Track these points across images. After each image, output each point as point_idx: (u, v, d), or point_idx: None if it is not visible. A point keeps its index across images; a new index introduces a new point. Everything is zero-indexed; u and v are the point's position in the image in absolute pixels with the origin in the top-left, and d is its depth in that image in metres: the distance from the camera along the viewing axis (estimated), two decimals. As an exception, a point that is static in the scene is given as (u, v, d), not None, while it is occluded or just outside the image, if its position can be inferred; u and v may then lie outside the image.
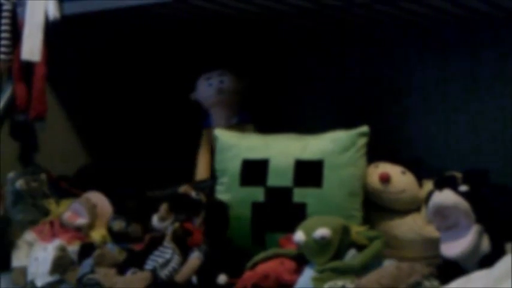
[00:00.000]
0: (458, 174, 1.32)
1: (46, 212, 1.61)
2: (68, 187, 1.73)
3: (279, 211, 1.42)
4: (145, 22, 1.85)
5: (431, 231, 1.38)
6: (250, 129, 1.76)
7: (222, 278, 1.31)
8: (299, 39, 1.96)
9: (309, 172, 1.41)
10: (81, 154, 1.93)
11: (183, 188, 1.47)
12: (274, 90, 1.99)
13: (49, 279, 1.45)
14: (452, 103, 1.71)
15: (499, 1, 1.44)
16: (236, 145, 1.51)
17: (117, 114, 2.00)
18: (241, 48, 2.06)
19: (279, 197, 1.42)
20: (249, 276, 1.27)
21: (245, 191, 1.45)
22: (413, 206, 1.44)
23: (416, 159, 1.53)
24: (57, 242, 1.49)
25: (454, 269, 1.19)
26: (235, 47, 2.06)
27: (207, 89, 1.80)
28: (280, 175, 1.43)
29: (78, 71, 1.93)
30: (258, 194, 1.43)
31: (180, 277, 1.33)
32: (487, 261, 1.18)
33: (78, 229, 1.54)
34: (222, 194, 1.48)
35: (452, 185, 1.25)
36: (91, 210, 1.56)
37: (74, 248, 1.49)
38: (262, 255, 1.31)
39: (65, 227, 1.54)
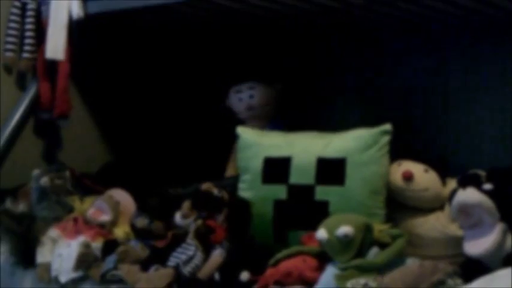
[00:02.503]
0: (482, 173, 1.32)
1: (70, 209, 1.62)
2: (91, 184, 1.74)
3: (301, 209, 1.42)
4: (171, 21, 1.86)
5: (454, 229, 1.37)
6: None
7: (244, 275, 1.31)
8: (325, 38, 1.96)
9: (331, 170, 1.41)
10: (104, 151, 1.94)
11: (205, 186, 1.48)
12: (302, 91, 1.98)
13: (73, 275, 1.47)
14: (477, 102, 1.70)
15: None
16: (258, 143, 1.51)
17: (140, 112, 2.01)
18: (269, 52, 2.05)
19: (301, 194, 1.42)
20: (271, 273, 1.27)
21: (267, 188, 1.45)
22: (437, 204, 1.43)
23: (439, 158, 1.52)
24: (81, 239, 1.50)
25: (477, 267, 1.18)
26: (263, 50, 2.06)
27: (238, 104, 1.81)
28: (302, 173, 1.42)
29: (101, 69, 1.94)
30: (280, 191, 1.43)
31: (202, 274, 1.34)
32: (511, 259, 1.18)
33: (102, 226, 1.55)
34: (245, 191, 1.48)
35: (476, 183, 1.25)
36: (114, 207, 1.57)
37: (97, 244, 1.50)
38: (284, 252, 1.31)
39: (88, 224, 1.55)
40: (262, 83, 1.80)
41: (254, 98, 1.78)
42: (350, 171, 1.40)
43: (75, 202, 1.63)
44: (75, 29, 1.74)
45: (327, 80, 1.96)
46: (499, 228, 1.19)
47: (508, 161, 1.63)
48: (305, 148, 1.45)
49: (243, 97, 1.79)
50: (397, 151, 1.45)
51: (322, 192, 1.40)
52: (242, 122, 1.79)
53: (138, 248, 1.47)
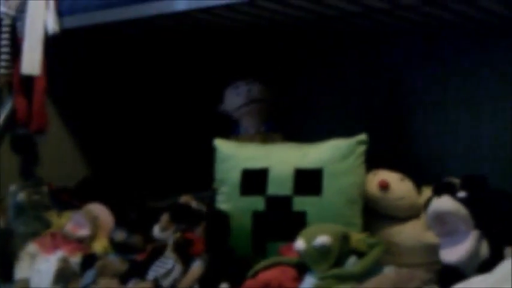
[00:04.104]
0: (456, 181, 1.34)
1: (48, 224, 1.62)
2: (69, 199, 1.74)
3: (279, 220, 1.43)
4: (150, 33, 1.87)
5: (430, 237, 1.38)
6: (279, 138, 1.77)
7: (224, 287, 1.32)
8: (307, 49, 1.99)
9: (308, 180, 1.42)
10: (82, 166, 1.94)
11: (184, 198, 1.48)
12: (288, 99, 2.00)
13: (52, 290, 1.46)
14: (451, 111, 1.72)
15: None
16: (235, 155, 1.52)
17: (118, 126, 2.01)
18: (266, 58, 2.07)
19: (279, 205, 1.43)
20: (250, 284, 1.28)
21: (245, 200, 1.46)
22: (413, 213, 1.45)
23: (415, 166, 1.54)
24: (59, 254, 1.50)
25: (453, 274, 1.19)
26: (259, 57, 2.08)
27: (236, 99, 1.81)
28: (280, 184, 1.43)
29: (78, 83, 1.94)
30: (258, 203, 1.44)
31: (182, 286, 1.34)
32: (486, 266, 1.19)
33: (80, 240, 1.55)
34: (223, 203, 1.49)
35: (451, 191, 1.27)
36: (93, 221, 1.57)
37: (76, 259, 1.50)
38: (263, 263, 1.32)
39: (67, 239, 1.55)
40: (259, 81, 1.82)
41: (252, 91, 1.80)
42: (327, 182, 1.41)
43: (53, 217, 1.63)
44: (51, 44, 1.74)
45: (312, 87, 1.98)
46: (473, 235, 1.21)
47: (481, 168, 1.65)
48: (282, 159, 1.46)
49: (241, 91, 1.80)
50: (373, 160, 1.46)
51: (299, 203, 1.41)
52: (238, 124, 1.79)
53: (117, 262, 1.47)
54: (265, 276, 1.28)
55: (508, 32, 1.64)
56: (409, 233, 1.42)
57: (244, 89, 1.80)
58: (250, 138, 1.73)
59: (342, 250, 1.25)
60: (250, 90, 1.79)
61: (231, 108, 1.83)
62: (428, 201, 1.31)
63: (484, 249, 1.22)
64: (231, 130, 1.82)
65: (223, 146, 1.55)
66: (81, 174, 1.92)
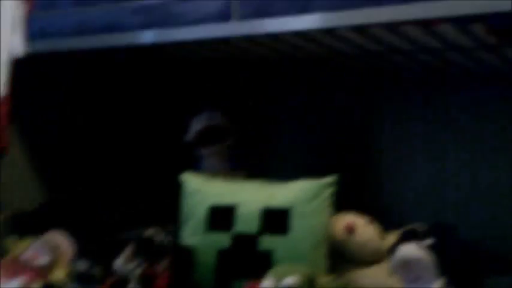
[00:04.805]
0: (423, 227, 1.35)
1: (6, 251, 1.58)
2: (28, 226, 1.70)
3: (245, 258, 1.42)
4: (121, 62, 1.86)
5: (393, 282, 1.39)
6: (242, 175, 1.75)
7: (186, 324, 1.31)
8: (275, 85, 2.00)
9: (276, 219, 1.42)
10: (43, 191, 1.90)
11: (149, 232, 1.46)
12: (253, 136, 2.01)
13: (9, 318, 1.43)
14: (418, 158, 1.76)
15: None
16: (203, 190, 1.51)
17: (84, 154, 1.98)
18: (236, 91, 2.07)
19: (245, 243, 1.42)
20: (214, 323, 1.27)
21: (211, 237, 1.45)
22: (376, 258, 1.46)
23: (380, 211, 1.55)
24: (17, 281, 1.46)
25: (418, 321, 1.21)
26: (231, 90, 2.08)
27: (197, 125, 1.79)
28: (247, 222, 1.43)
29: (43, 107, 1.91)
30: (224, 240, 1.44)
31: (144, 322, 1.33)
32: (450, 314, 1.22)
33: (40, 268, 1.51)
34: (188, 238, 1.48)
35: (417, 238, 1.29)
36: (53, 250, 1.54)
37: (35, 286, 1.46)
38: (228, 302, 1.31)
39: (26, 266, 1.51)
40: (223, 111, 1.82)
41: (213, 118, 1.79)
42: (294, 222, 1.41)
43: (12, 244, 1.59)
44: (19, 66, 1.72)
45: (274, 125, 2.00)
46: (438, 283, 1.23)
47: (446, 216, 1.68)
48: (250, 197, 1.46)
49: (203, 117, 1.79)
50: (340, 203, 1.48)
51: (266, 242, 1.41)
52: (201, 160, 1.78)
53: (77, 293, 1.45)
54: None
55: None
56: (373, 278, 1.43)
57: (207, 115, 1.79)
58: (213, 175, 1.71)
59: (308, 292, 1.26)
60: (211, 117, 1.79)
61: (192, 135, 1.82)
62: (393, 247, 1.32)
63: (448, 298, 1.24)
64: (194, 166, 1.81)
65: (191, 180, 1.55)
66: (41, 200, 1.88)
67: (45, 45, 1.69)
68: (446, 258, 1.25)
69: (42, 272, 1.52)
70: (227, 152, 1.80)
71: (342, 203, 1.48)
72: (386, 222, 1.51)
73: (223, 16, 1.35)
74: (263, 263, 1.37)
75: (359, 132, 1.85)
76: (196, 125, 1.79)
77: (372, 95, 1.83)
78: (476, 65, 1.55)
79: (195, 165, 1.79)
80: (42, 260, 1.53)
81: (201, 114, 1.81)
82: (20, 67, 1.72)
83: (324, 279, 1.30)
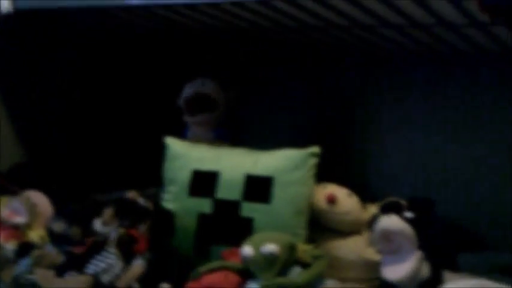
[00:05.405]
0: (402, 201, 1.37)
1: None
2: (5, 184, 1.68)
3: (226, 224, 1.42)
4: (109, 24, 1.83)
5: (371, 253, 1.42)
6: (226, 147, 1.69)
7: (164, 287, 1.31)
8: (264, 57, 1.98)
9: (258, 187, 1.42)
10: (20, 151, 1.88)
11: (130, 194, 1.46)
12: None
13: (-18, 276, 1.41)
14: (398, 133, 1.76)
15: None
16: (187, 155, 1.51)
17: (65, 114, 1.95)
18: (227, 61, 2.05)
19: (227, 210, 1.42)
20: (192, 286, 1.27)
21: (193, 201, 1.45)
22: (356, 228, 1.47)
23: (362, 184, 1.57)
24: (-7, 240, 1.45)
25: (392, 291, 1.23)
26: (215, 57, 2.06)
27: (188, 91, 1.75)
28: (229, 188, 1.43)
29: (24, 66, 1.88)
30: (205, 205, 1.43)
31: (122, 283, 1.32)
32: (425, 286, 1.24)
33: (16, 227, 1.50)
34: (169, 202, 1.47)
35: (398, 210, 1.30)
36: (30, 209, 1.53)
37: (10, 246, 1.45)
38: (207, 266, 1.31)
39: (2, 224, 1.50)
40: (216, 81, 1.77)
41: (205, 86, 1.74)
42: (277, 190, 1.41)
43: (-12, 201, 1.57)
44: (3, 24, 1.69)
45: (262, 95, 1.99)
46: (416, 255, 1.24)
47: (430, 192, 1.69)
48: (234, 164, 1.46)
49: (195, 84, 1.75)
50: (323, 173, 1.48)
51: (247, 209, 1.41)
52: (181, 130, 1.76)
53: (54, 253, 1.43)
54: (208, 279, 1.27)
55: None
56: (351, 248, 1.45)
57: (199, 82, 1.76)
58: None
59: (288, 260, 1.26)
60: (203, 84, 1.76)
61: (181, 101, 1.79)
62: (373, 219, 1.33)
63: (425, 270, 1.26)
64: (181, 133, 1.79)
65: (174, 144, 1.54)
66: (17, 159, 1.85)
67: (28, 3, 1.66)
68: (425, 233, 1.27)
69: (19, 231, 1.50)
70: (214, 123, 1.76)
71: (324, 174, 1.49)
72: (366, 197, 1.52)
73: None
74: (244, 230, 1.38)
75: (347, 105, 1.85)
76: (186, 91, 1.77)
77: (361, 70, 1.83)
78: (467, 44, 1.56)
79: (182, 132, 1.78)
80: (19, 219, 1.52)
81: (193, 81, 1.78)
82: (4, 26, 1.70)
83: (303, 248, 1.31)
